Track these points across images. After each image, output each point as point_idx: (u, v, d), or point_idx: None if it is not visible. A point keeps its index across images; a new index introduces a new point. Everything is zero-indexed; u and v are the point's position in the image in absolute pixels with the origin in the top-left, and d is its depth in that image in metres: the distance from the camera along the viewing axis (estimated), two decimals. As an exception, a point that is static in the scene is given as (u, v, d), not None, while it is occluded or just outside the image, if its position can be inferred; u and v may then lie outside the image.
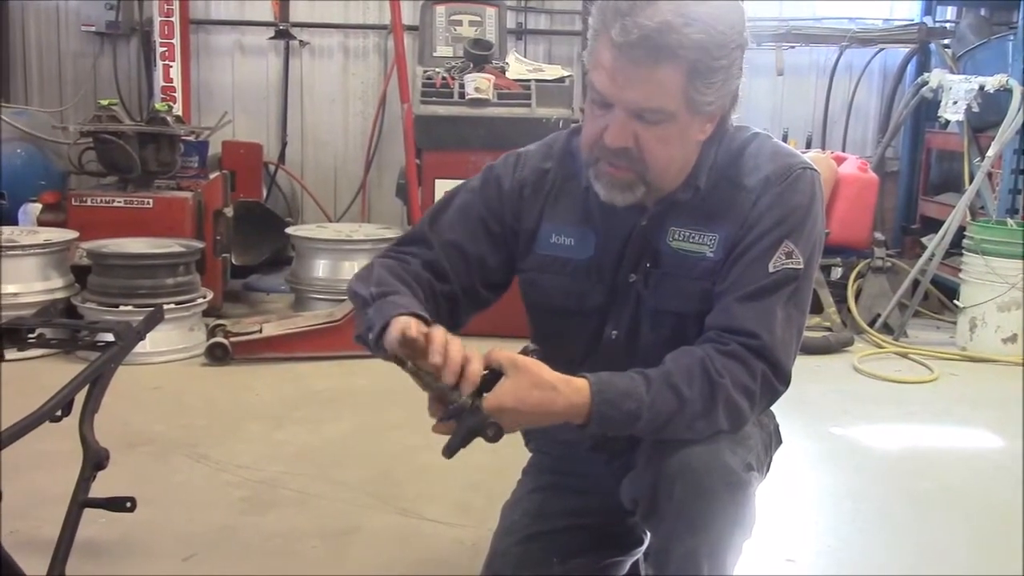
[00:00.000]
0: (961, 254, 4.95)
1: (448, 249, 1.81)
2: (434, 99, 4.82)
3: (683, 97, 1.57)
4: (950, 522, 2.88)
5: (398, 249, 1.84)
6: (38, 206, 4.87)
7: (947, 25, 6.17)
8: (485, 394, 1.53)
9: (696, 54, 1.53)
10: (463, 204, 1.86)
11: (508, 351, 1.58)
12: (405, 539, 2.64)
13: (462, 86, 4.80)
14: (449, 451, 1.53)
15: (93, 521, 2.15)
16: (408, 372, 1.54)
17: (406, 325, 1.53)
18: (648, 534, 1.89)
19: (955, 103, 5.17)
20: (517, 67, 5.02)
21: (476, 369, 1.52)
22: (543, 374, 1.55)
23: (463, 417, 1.51)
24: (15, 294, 4.20)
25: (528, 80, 4.87)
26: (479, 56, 4.99)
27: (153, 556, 2.48)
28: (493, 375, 1.55)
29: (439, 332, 1.54)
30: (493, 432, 1.52)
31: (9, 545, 1.63)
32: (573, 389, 1.56)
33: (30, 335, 2.12)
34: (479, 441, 1.54)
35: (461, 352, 1.52)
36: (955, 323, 5.01)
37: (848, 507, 2.98)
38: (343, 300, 4.58)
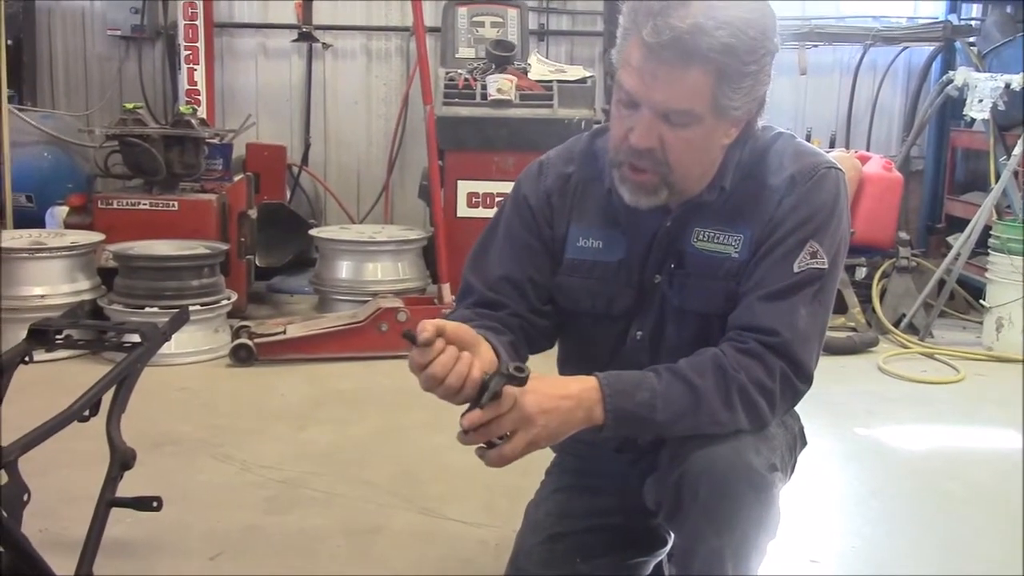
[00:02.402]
0: (987, 253, 4.91)
1: (497, 285, 1.82)
2: (456, 100, 4.83)
3: (711, 100, 1.57)
4: (976, 523, 2.85)
5: (455, 312, 1.84)
6: (65, 209, 4.91)
7: (972, 23, 6.13)
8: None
9: (726, 58, 1.53)
10: (502, 236, 1.86)
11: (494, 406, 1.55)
12: (429, 539, 2.65)
13: (484, 87, 4.81)
14: (486, 401, 1.48)
15: (120, 520, 2.17)
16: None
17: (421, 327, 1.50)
18: (672, 534, 1.89)
19: (981, 101, 5.13)
20: (539, 68, 5.02)
21: (475, 377, 1.49)
22: (543, 377, 1.57)
23: (487, 381, 1.49)
24: (42, 296, 4.24)
25: (550, 81, 4.87)
26: (501, 57, 5.00)
27: (179, 555, 2.50)
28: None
29: (439, 342, 1.49)
30: (515, 367, 1.48)
31: (38, 544, 1.65)
32: (581, 380, 1.59)
33: (58, 336, 2.15)
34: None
35: (466, 363, 1.49)
36: (981, 323, 4.97)
37: (873, 508, 2.96)
38: (366, 301, 4.61)
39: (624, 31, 1.60)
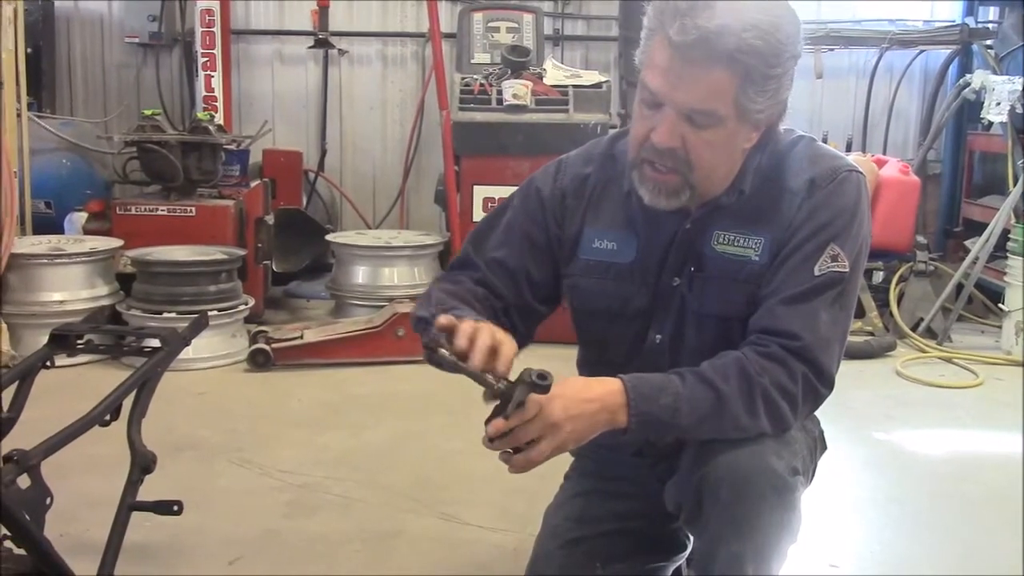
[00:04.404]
0: (1005, 257, 4.88)
1: (495, 269, 1.82)
2: (472, 106, 4.84)
3: (734, 102, 1.57)
4: (995, 527, 2.84)
5: (450, 275, 1.86)
6: (84, 215, 4.94)
7: (989, 26, 6.09)
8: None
9: (752, 60, 1.53)
10: (506, 222, 1.87)
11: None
12: (447, 544, 2.65)
13: (500, 92, 4.81)
14: (508, 414, 1.50)
15: (140, 524, 2.18)
16: (460, 373, 1.52)
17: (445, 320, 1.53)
18: (692, 538, 1.88)
19: (998, 104, 5.11)
20: (554, 73, 5.02)
21: (508, 352, 1.51)
22: (569, 378, 1.59)
23: (511, 389, 1.50)
24: (62, 302, 4.27)
25: (565, 86, 4.87)
26: (517, 62, 5.00)
27: (199, 559, 2.51)
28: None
29: (468, 320, 1.54)
30: (539, 375, 1.48)
31: (59, 548, 1.66)
32: (605, 382, 1.59)
33: (79, 341, 2.16)
34: None
35: (490, 336, 1.52)
36: (1000, 327, 4.94)
37: (892, 512, 2.95)
38: (383, 306, 4.62)
39: (648, 31, 1.61)
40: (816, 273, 1.64)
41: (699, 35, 1.51)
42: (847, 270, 1.65)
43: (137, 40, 6.08)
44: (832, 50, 6.09)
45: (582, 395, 1.56)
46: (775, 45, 1.54)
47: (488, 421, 1.52)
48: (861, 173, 1.72)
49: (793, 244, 1.66)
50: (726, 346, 1.66)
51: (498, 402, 1.52)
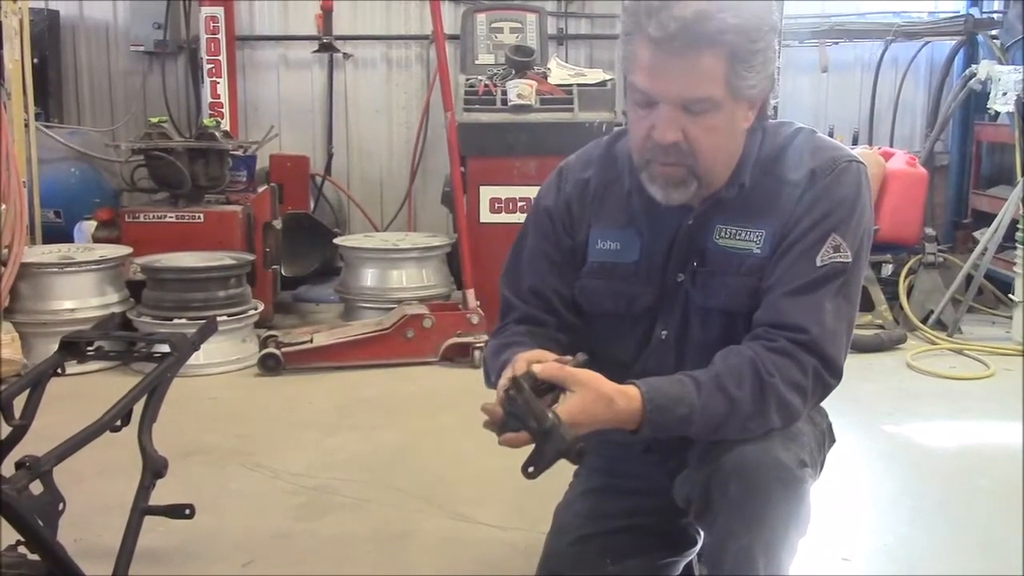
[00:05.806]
0: (1015, 247, 4.87)
1: (530, 300, 1.85)
2: (477, 107, 4.84)
3: (726, 83, 1.58)
4: (1008, 519, 2.82)
5: (498, 330, 1.88)
6: (93, 223, 4.96)
7: (994, 15, 6.07)
8: (556, 409, 1.53)
9: (735, 38, 1.55)
10: (527, 250, 1.89)
11: (560, 365, 1.59)
12: (458, 543, 2.65)
13: (504, 93, 4.82)
14: (535, 474, 1.52)
15: (153, 529, 2.19)
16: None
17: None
18: (702, 534, 1.88)
19: (1005, 94, 5.10)
20: (559, 72, 5.03)
21: (548, 357, 1.57)
22: (602, 387, 1.57)
23: (548, 438, 1.50)
24: (72, 309, 4.29)
25: (570, 85, 4.87)
26: (521, 62, 5.01)
27: (212, 563, 2.52)
28: (549, 387, 1.57)
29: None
30: (577, 454, 1.51)
31: (73, 553, 1.67)
32: (627, 398, 1.57)
33: (89, 348, 2.18)
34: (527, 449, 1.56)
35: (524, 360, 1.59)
36: (1010, 318, 4.93)
37: (903, 505, 2.95)
38: (391, 308, 4.63)
39: (626, 35, 1.62)
40: (818, 264, 1.64)
41: (679, 26, 1.52)
42: (849, 260, 1.66)
43: (142, 48, 6.08)
44: (837, 43, 6.07)
45: (601, 418, 1.56)
46: (753, 19, 1.56)
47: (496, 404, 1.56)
48: (862, 163, 1.73)
49: (794, 235, 1.67)
50: (730, 340, 1.67)
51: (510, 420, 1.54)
